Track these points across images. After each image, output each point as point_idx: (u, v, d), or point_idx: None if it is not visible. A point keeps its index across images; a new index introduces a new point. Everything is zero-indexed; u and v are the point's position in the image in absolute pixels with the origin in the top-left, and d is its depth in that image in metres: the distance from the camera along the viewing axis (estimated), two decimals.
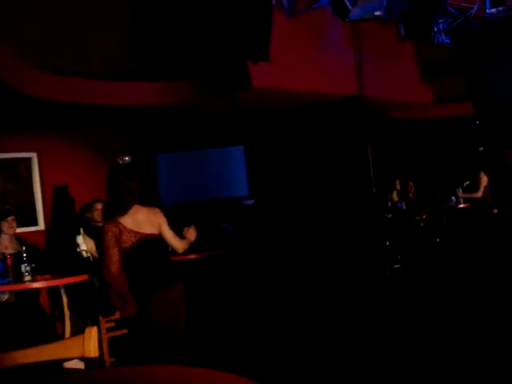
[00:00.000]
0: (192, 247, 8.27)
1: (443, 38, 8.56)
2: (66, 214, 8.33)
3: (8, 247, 6.60)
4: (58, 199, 8.35)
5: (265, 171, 10.24)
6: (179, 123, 9.51)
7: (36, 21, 7.13)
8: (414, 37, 8.43)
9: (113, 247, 5.09)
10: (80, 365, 5.35)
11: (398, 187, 12.42)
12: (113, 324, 6.29)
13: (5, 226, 6.66)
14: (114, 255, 5.07)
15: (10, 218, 6.73)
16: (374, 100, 8.92)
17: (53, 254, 7.15)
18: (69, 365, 5.41)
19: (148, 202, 9.59)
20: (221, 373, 2.31)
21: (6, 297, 6.35)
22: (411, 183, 12.85)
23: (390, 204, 12.22)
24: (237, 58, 7.55)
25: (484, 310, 7.67)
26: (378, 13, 7.18)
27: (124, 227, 5.07)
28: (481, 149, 10.85)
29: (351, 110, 8.90)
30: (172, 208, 9.71)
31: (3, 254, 6.42)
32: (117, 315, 6.04)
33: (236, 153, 10.08)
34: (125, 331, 6.02)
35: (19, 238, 6.93)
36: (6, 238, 6.68)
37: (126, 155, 5.62)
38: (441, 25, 8.27)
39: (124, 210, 5.12)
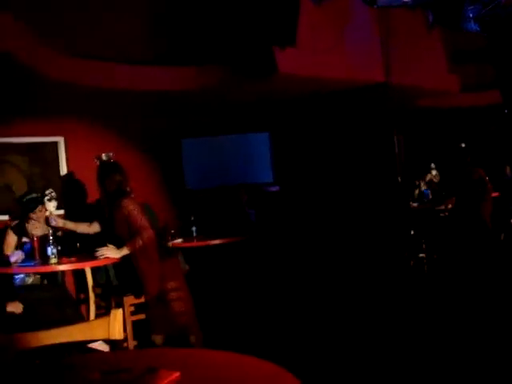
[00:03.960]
0: (216, 232, 8.35)
1: (472, 25, 8.45)
2: (76, 200, 8.32)
3: (38, 229, 6.57)
4: (68, 186, 8.38)
5: (290, 158, 10.22)
6: (205, 108, 9.51)
7: (63, 5, 7.17)
8: (442, 24, 8.35)
9: (144, 214, 5.78)
10: (103, 347, 5.41)
11: (435, 174, 12.23)
12: (133, 308, 6.33)
13: (33, 217, 6.57)
14: (147, 221, 5.76)
15: (37, 210, 6.59)
16: (400, 87, 8.86)
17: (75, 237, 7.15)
18: (93, 346, 5.48)
19: (173, 186, 9.67)
20: (234, 354, 2.34)
21: (30, 279, 6.40)
22: (437, 172, 12.73)
23: (417, 192, 12.11)
24: (263, 44, 7.53)
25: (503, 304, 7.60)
26: None
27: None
28: (463, 145, 10.74)
29: (378, 97, 8.84)
30: (197, 193, 9.76)
31: (33, 235, 6.41)
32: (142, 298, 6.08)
33: (261, 139, 10.07)
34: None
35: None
36: (36, 223, 6.63)
37: (110, 152, 6.21)
38: (470, 11, 8.17)
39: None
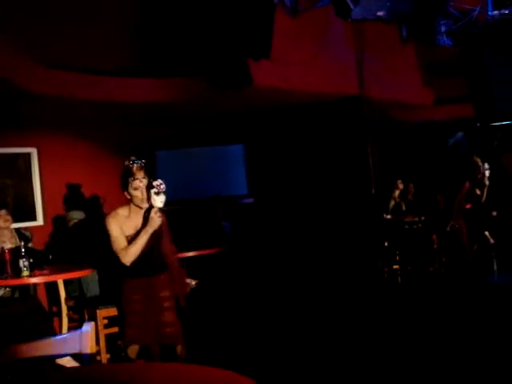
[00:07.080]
0: (191, 245, 8.31)
1: (445, 39, 8.55)
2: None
3: (6, 242, 6.51)
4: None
5: (264, 170, 10.21)
6: (179, 120, 9.49)
7: (37, 14, 7.12)
8: (415, 38, 8.43)
9: None
10: (71, 363, 5.33)
11: (401, 187, 12.40)
12: (106, 321, 6.26)
13: None
14: None
15: (2, 212, 6.53)
16: (374, 100, 8.92)
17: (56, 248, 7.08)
18: (61, 362, 5.41)
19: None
20: (217, 370, 2.31)
21: (1, 292, 6.32)
22: (411, 184, 12.82)
23: (392, 203, 12.19)
24: (238, 56, 7.54)
25: (482, 311, 7.66)
26: (380, 13, 7.17)
27: None
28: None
29: (352, 109, 8.88)
30: (171, 205, 9.71)
31: (2, 248, 6.34)
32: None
33: (236, 151, 10.06)
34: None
35: (19, 231, 6.85)
36: (3, 233, 6.58)
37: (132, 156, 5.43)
38: (443, 26, 8.26)
39: None
